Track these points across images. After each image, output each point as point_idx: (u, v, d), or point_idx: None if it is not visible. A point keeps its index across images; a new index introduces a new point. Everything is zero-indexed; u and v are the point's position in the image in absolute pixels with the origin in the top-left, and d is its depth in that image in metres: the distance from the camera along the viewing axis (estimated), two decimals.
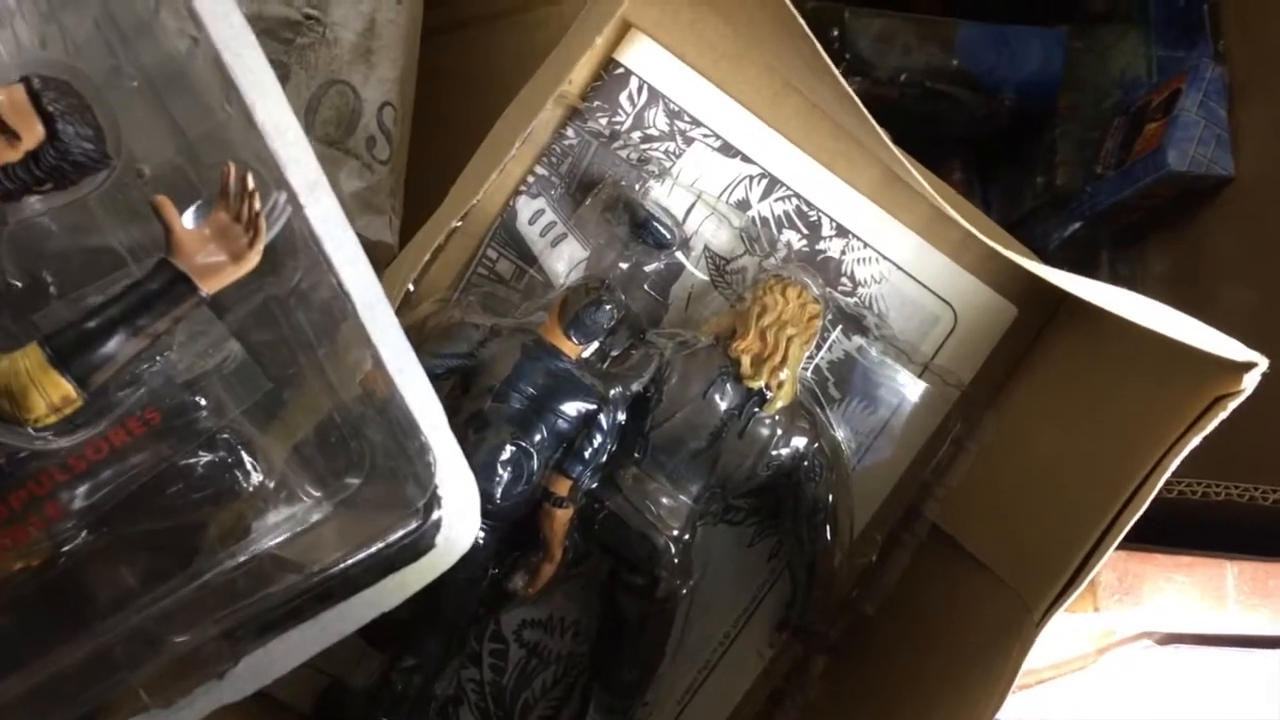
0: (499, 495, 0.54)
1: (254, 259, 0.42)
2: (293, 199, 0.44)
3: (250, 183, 0.42)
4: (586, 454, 0.56)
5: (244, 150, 0.44)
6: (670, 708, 0.64)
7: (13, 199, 0.42)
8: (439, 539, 0.49)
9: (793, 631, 0.63)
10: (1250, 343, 0.49)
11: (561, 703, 0.64)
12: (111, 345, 0.41)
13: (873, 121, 0.49)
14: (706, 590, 0.63)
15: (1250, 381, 0.49)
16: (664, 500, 0.58)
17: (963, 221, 0.51)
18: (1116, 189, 0.78)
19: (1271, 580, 0.58)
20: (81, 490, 0.43)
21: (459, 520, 0.49)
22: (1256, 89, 0.74)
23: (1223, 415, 0.49)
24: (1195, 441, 0.50)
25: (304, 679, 0.62)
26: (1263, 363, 0.49)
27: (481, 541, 0.55)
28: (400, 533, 0.48)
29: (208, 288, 0.42)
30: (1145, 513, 0.54)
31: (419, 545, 0.48)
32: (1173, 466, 0.50)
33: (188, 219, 0.42)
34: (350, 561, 0.48)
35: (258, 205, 0.42)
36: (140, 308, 0.41)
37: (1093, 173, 0.83)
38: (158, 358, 0.44)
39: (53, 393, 0.40)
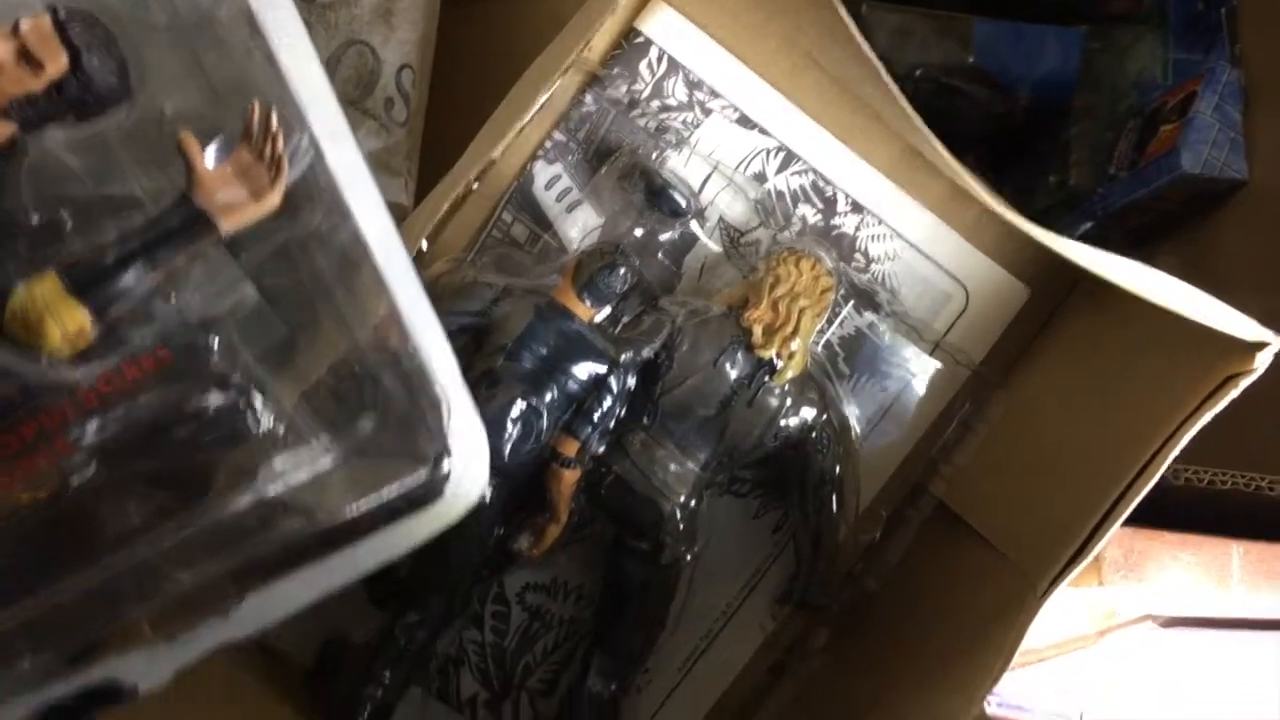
0: (507, 452, 0.54)
1: (275, 199, 0.43)
2: (314, 145, 0.44)
3: (274, 122, 0.42)
4: (595, 416, 0.57)
5: (268, 96, 0.44)
6: (671, 676, 0.64)
7: (33, 128, 0.42)
8: (448, 489, 0.48)
9: (795, 604, 0.63)
10: None
11: (562, 667, 0.64)
12: (128, 278, 0.41)
13: (894, 89, 0.49)
14: (710, 560, 0.63)
15: (1262, 361, 0.49)
16: (671, 467, 0.59)
17: (982, 194, 0.51)
18: (1129, 190, 0.78)
19: (1277, 562, 0.58)
20: (92, 425, 0.43)
21: (469, 472, 0.49)
22: (1272, 93, 0.74)
23: (1234, 394, 0.49)
24: (1205, 419, 0.50)
25: (306, 633, 0.63)
26: (1275, 341, 0.49)
27: (488, 500, 0.55)
28: (409, 481, 0.48)
29: (227, 225, 0.42)
30: (1151, 499, 0.54)
31: (428, 495, 0.48)
32: (1182, 443, 0.50)
33: (210, 157, 0.42)
34: (358, 507, 0.47)
35: (281, 145, 0.42)
36: (159, 242, 0.41)
37: (1106, 173, 0.83)
38: (173, 296, 0.44)
39: (68, 322, 0.40)
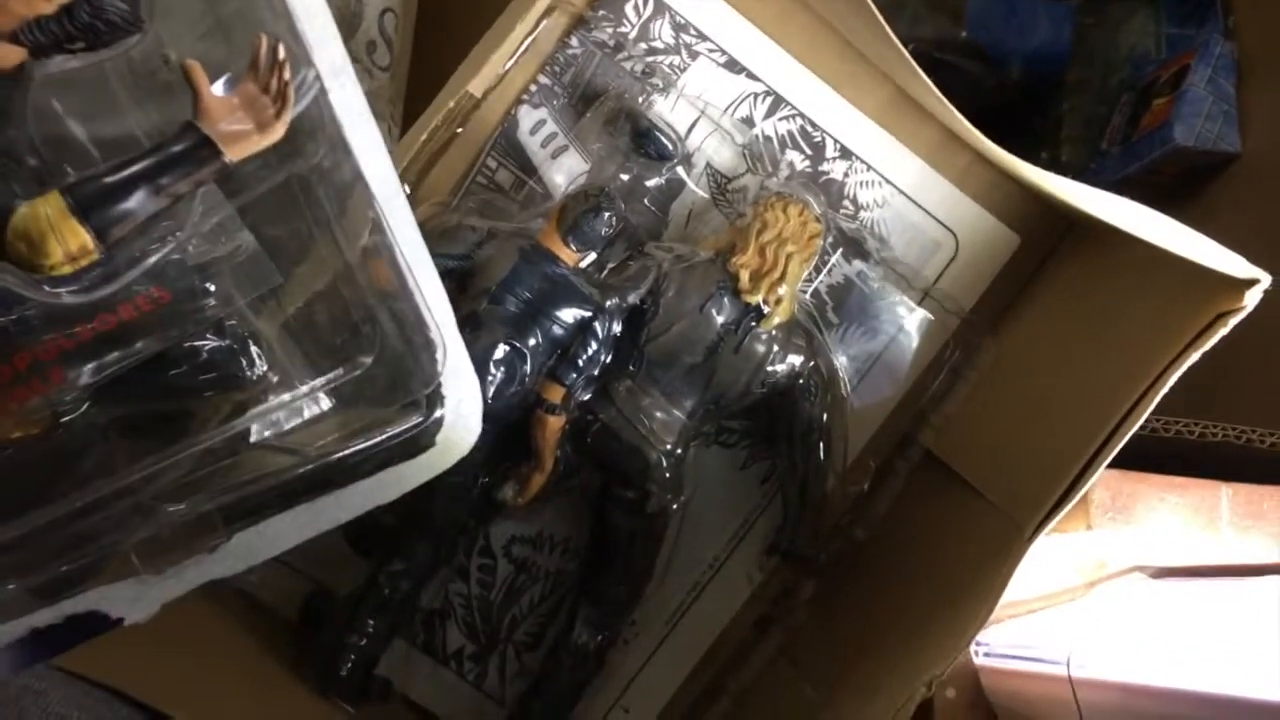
0: (491, 395, 0.54)
1: (279, 130, 0.42)
2: (319, 80, 0.43)
3: (281, 54, 0.42)
4: (580, 361, 0.56)
5: (274, 31, 0.43)
6: (658, 629, 0.64)
7: (43, 54, 0.41)
8: (439, 437, 0.48)
9: (783, 555, 0.63)
10: (1254, 318, 0.49)
11: (549, 619, 0.64)
12: (132, 201, 0.41)
13: (883, 24, 0.48)
14: (697, 512, 0.63)
15: (1252, 298, 0.48)
16: (658, 414, 0.58)
17: (974, 135, 0.50)
18: (1122, 165, 0.78)
19: (1266, 502, 0.58)
20: (86, 361, 0.42)
21: (461, 420, 0.48)
22: (1266, 66, 0.73)
23: (1223, 332, 0.49)
24: (1195, 357, 0.49)
25: (290, 585, 0.62)
26: (1265, 279, 0.48)
27: (472, 445, 0.55)
28: (401, 427, 0.48)
29: (231, 154, 0.41)
30: (1142, 451, 0.53)
31: (419, 441, 0.48)
32: (1171, 381, 0.49)
33: (217, 89, 0.42)
34: (348, 450, 0.47)
35: (287, 76, 0.42)
36: (163, 167, 0.41)
37: (1098, 148, 0.83)
38: (170, 239, 0.43)
39: (71, 241, 0.40)
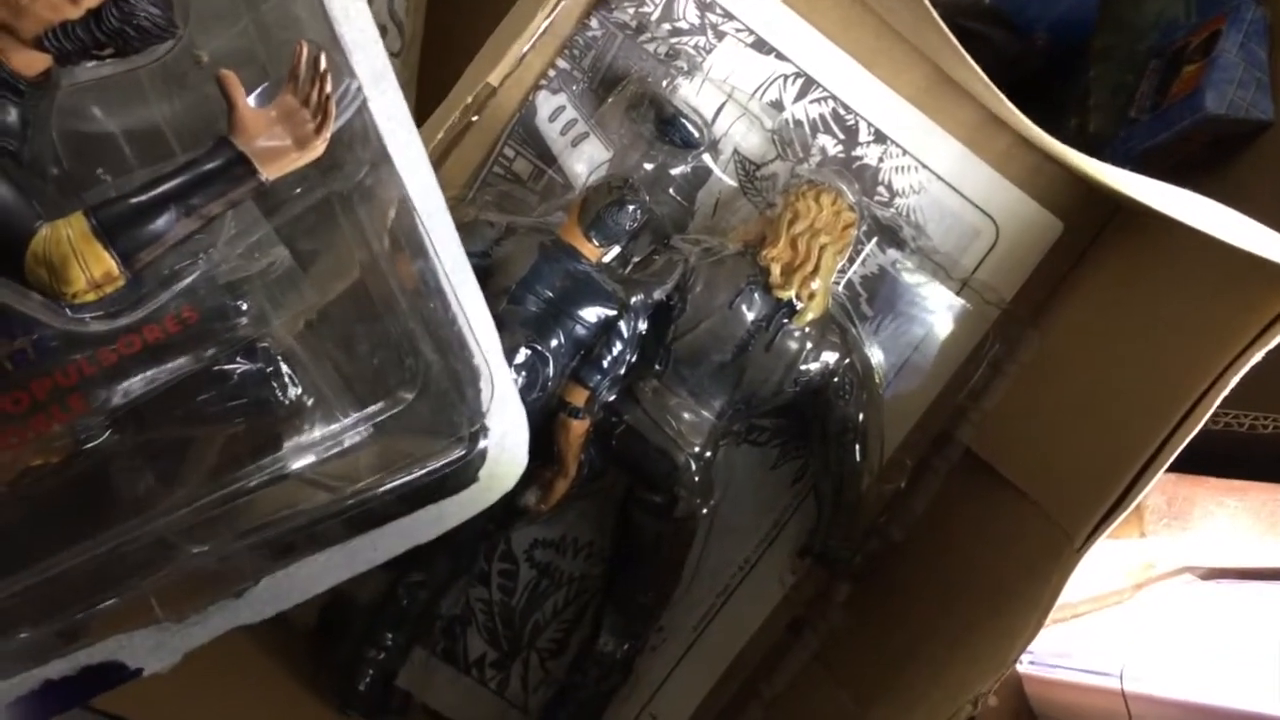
0: None
1: (320, 147, 0.39)
2: (360, 90, 0.41)
3: (323, 64, 0.39)
4: (605, 363, 0.53)
5: (313, 34, 0.41)
6: (686, 634, 0.62)
7: (69, 61, 0.38)
8: (482, 472, 0.46)
9: (816, 557, 0.60)
10: None
11: (573, 625, 0.62)
12: (161, 223, 0.38)
13: (926, 3, 0.45)
14: (727, 513, 0.60)
15: None
16: (685, 415, 0.56)
17: (1017, 118, 0.47)
18: (1151, 133, 0.75)
19: None
20: (109, 386, 0.40)
21: (506, 453, 0.46)
22: None
23: None
24: (1257, 358, 0.46)
25: None
26: None
27: None
28: (443, 460, 0.45)
29: (268, 173, 0.39)
30: (1190, 445, 0.51)
31: (462, 477, 0.46)
32: (1231, 384, 0.47)
33: (253, 100, 0.39)
34: (386, 486, 0.45)
35: (329, 88, 0.39)
36: (195, 187, 0.38)
37: (1127, 117, 0.80)
38: (200, 256, 0.40)
39: (94, 267, 0.37)
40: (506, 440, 0.45)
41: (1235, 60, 0.70)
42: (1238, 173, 0.74)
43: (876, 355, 0.59)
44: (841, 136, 0.59)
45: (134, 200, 0.38)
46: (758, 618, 0.62)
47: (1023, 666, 0.57)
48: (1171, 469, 0.51)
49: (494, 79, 0.54)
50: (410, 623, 0.56)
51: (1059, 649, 0.58)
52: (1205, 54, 0.72)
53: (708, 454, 0.56)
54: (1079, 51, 0.85)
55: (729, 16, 0.57)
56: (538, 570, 0.61)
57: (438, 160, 0.56)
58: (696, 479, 0.56)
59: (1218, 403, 0.47)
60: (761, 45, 0.58)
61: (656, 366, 0.56)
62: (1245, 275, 0.48)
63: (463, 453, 0.45)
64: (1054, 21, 0.82)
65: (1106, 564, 0.58)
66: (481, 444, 0.45)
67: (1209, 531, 0.52)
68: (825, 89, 0.58)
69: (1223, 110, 0.69)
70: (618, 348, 0.54)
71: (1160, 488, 0.51)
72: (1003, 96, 0.47)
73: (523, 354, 0.51)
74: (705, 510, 0.57)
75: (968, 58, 0.47)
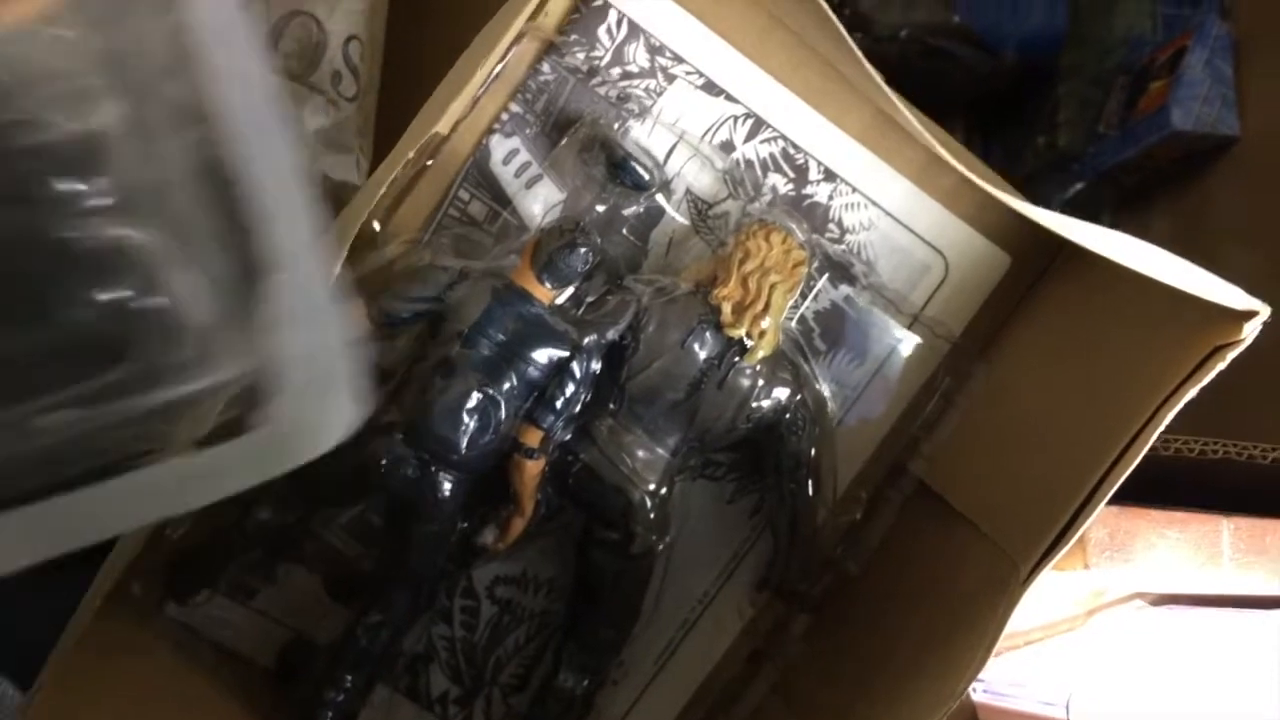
0: (464, 445, 0.52)
1: None
2: None
3: None
4: (558, 403, 0.54)
5: None
6: (647, 667, 0.62)
7: None
8: (279, 419, 0.34)
9: (774, 590, 0.61)
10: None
11: (534, 661, 0.62)
12: None
13: (858, 53, 0.46)
14: (684, 548, 0.61)
15: (1250, 330, 0.47)
16: (640, 453, 0.56)
17: (955, 163, 0.48)
18: (1119, 149, 0.76)
19: (1268, 537, 0.56)
20: None
21: (316, 395, 0.34)
22: (1263, 47, 0.71)
23: (1221, 366, 0.47)
24: (1192, 393, 0.48)
25: (266, 633, 0.60)
26: (1264, 310, 0.46)
27: (449, 493, 0.53)
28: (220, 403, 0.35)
29: None
30: (1141, 470, 0.52)
31: (244, 423, 0.34)
32: (1168, 418, 0.48)
33: None
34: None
35: None
36: None
37: (1095, 132, 0.81)
38: None
39: None
40: (316, 375, 0.33)
41: (1201, 76, 0.71)
42: (1205, 187, 0.76)
43: (830, 388, 0.60)
44: (792, 175, 0.60)
45: None
46: (718, 651, 0.63)
47: (977, 695, 0.58)
48: (1119, 497, 0.52)
49: (444, 126, 0.55)
50: (370, 663, 0.56)
51: (1012, 677, 0.58)
52: (1171, 70, 0.74)
53: (663, 490, 0.57)
54: (1048, 68, 0.86)
55: (679, 60, 0.58)
56: (499, 606, 0.62)
57: (393, 204, 0.57)
58: (652, 515, 0.57)
59: (1155, 436, 0.48)
60: (711, 87, 0.59)
61: (611, 405, 0.56)
62: (1181, 313, 0.49)
63: (245, 393, 0.33)
64: (1023, 39, 0.84)
65: (1058, 592, 0.58)
66: (276, 382, 0.32)
67: (1151, 563, 0.53)
68: (775, 129, 0.59)
69: (1189, 126, 0.71)
70: (571, 388, 0.54)
71: (1102, 520, 0.52)
72: (939, 144, 0.48)
73: (475, 399, 0.52)
74: (662, 546, 0.58)
75: (904, 108, 0.48)
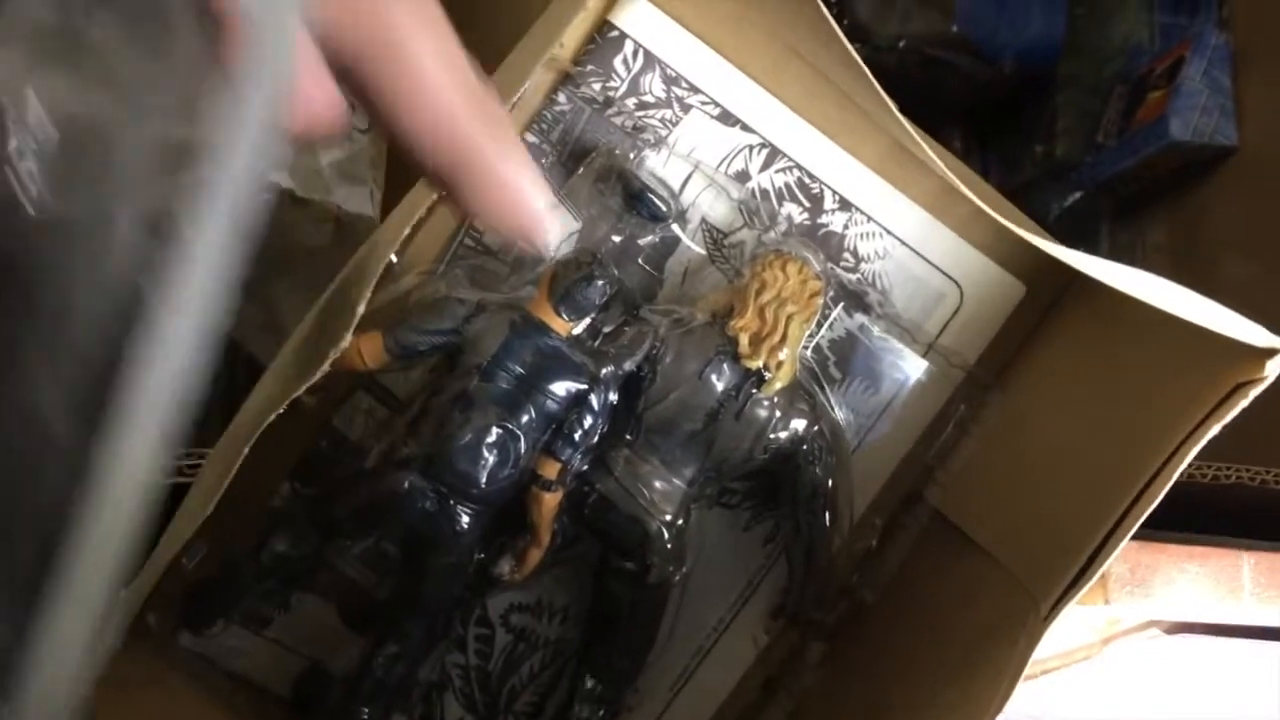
0: (484, 480, 0.52)
1: None
2: None
3: None
4: (576, 436, 0.54)
5: None
6: (661, 695, 0.62)
7: None
8: None
9: (789, 619, 0.61)
10: (1250, 316, 0.47)
11: (549, 689, 0.62)
12: None
13: (878, 87, 0.46)
14: (700, 575, 0.61)
15: (1273, 369, 0.46)
16: (657, 484, 0.56)
17: (972, 196, 0.48)
18: (1117, 159, 0.76)
19: None
20: None
21: None
22: (1261, 57, 0.71)
23: (1243, 404, 0.47)
24: (1214, 430, 0.47)
25: (281, 663, 0.60)
26: None
27: (466, 526, 0.53)
28: None
29: None
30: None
31: None
32: (1190, 456, 0.48)
33: None
34: None
35: None
36: None
37: (1094, 142, 0.81)
38: None
39: None
40: None
41: (1199, 87, 0.71)
42: (1203, 197, 0.76)
43: (845, 417, 0.60)
44: (807, 204, 0.60)
45: None
46: (732, 679, 0.63)
47: None
48: (1134, 531, 0.52)
49: None
50: (386, 695, 0.56)
51: (1028, 707, 0.58)
52: (1170, 80, 0.74)
53: (679, 521, 0.57)
54: (1046, 78, 0.86)
55: (695, 90, 0.58)
56: (514, 635, 0.62)
57: (409, 235, 0.57)
58: (669, 546, 0.57)
59: (1177, 474, 0.48)
60: (727, 117, 0.59)
61: (628, 436, 0.56)
62: (1202, 346, 0.49)
63: None
64: (1021, 49, 0.84)
65: (1075, 623, 0.58)
66: None
67: (1171, 597, 0.53)
68: (790, 158, 0.59)
69: (1187, 136, 0.71)
70: (589, 420, 0.54)
71: (1123, 555, 0.52)
72: (954, 174, 0.48)
73: (495, 433, 0.52)
74: (678, 577, 0.58)
75: (921, 140, 0.48)
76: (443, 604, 0.56)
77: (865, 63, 0.47)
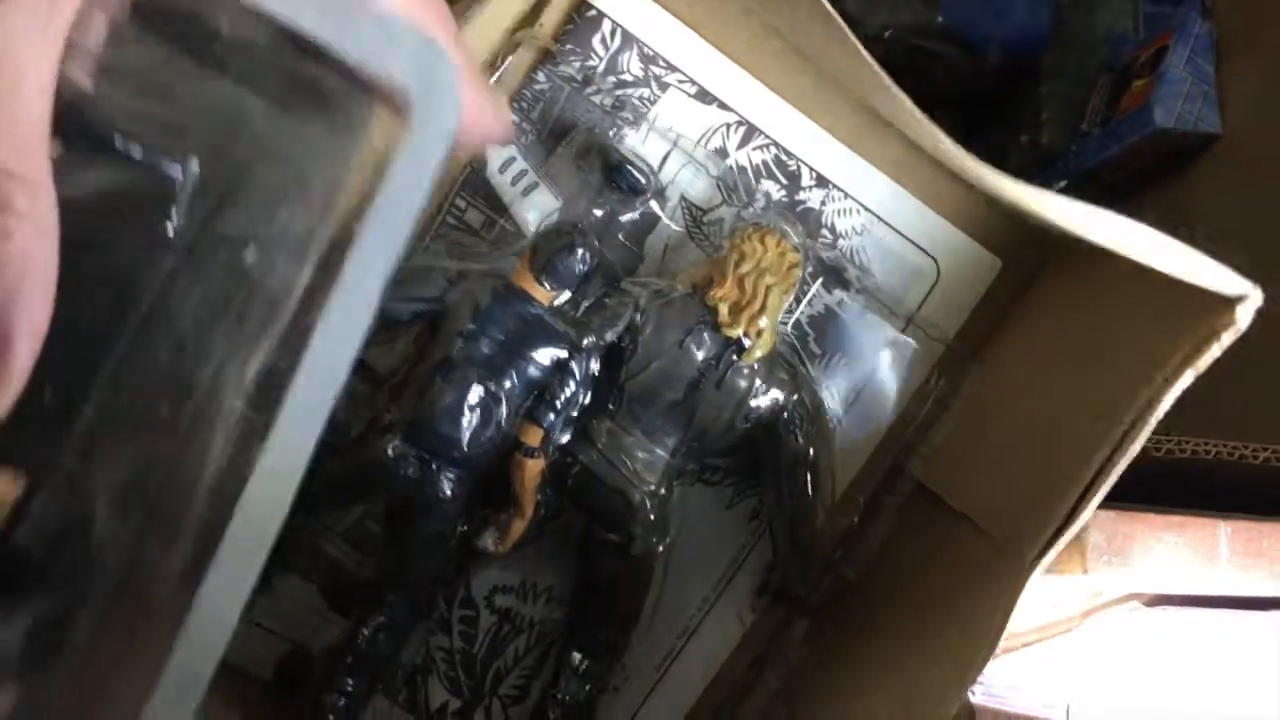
0: (466, 441, 0.52)
1: None
2: None
3: None
4: (559, 402, 0.54)
5: None
6: (649, 675, 0.62)
7: None
8: None
9: (774, 594, 0.61)
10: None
11: (535, 671, 0.62)
12: None
13: (849, 34, 0.47)
14: (684, 554, 0.61)
15: (1243, 315, 0.47)
16: (639, 454, 0.56)
17: (949, 146, 0.49)
18: (1102, 147, 0.77)
19: (1265, 540, 0.56)
20: None
21: None
22: (1244, 45, 0.72)
23: (1216, 351, 0.48)
24: (1189, 378, 0.48)
25: (264, 646, 0.60)
26: (1255, 295, 0.47)
27: (449, 493, 0.53)
28: None
29: None
30: (1134, 472, 0.52)
31: None
32: (1165, 403, 0.48)
33: None
34: None
35: None
36: None
37: (1079, 131, 0.82)
38: None
39: None
40: None
41: (1183, 75, 0.72)
42: (1187, 185, 0.76)
43: (826, 393, 0.61)
44: (784, 181, 0.60)
45: None
46: (720, 656, 0.62)
47: (975, 697, 0.58)
48: (1113, 501, 0.52)
49: None
50: (371, 667, 0.55)
51: (1010, 679, 0.58)
52: (1153, 69, 0.74)
53: (662, 491, 0.57)
54: (1031, 68, 0.87)
55: (672, 68, 0.59)
56: (499, 616, 0.62)
57: None
58: (652, 517, 0.57)
59: (1153, 422, 0.48)
60: (704, 95, 0.60)
61: (610, 407, 0.56)
62: (1174, 302, 0.50)
63: None
64: (1007, 39, 0.84)
65: (1055, 595, 0.58)
66: None
67: (1149, 567, 0.53)
68: (767, 136, 0.60)
69: (1171, 124, 0.72)
70: (571, 387, 0.54)
71: (1099, 525, 0.52)
72: (931, 137, 0.49)
73: (476, 394, 0.52)
74: (661, 548, 0.58)
75: (898, 92, 0.49)
76: (427, 575, 0.56)
77: None
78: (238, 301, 0.36)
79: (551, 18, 0.58)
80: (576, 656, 0.59)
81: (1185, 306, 0.49)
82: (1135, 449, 0.49)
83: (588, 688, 0.59)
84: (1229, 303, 0.47)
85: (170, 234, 0.37)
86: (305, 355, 0.29)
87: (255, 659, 0.60)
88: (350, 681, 0.55)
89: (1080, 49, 0.83)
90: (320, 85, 0.31)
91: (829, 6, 0.46)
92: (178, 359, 0.38)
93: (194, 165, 0.36)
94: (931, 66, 0.83)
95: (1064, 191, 0.81)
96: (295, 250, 0.33)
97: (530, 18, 0.58)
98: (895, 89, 0.49)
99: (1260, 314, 0.48)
